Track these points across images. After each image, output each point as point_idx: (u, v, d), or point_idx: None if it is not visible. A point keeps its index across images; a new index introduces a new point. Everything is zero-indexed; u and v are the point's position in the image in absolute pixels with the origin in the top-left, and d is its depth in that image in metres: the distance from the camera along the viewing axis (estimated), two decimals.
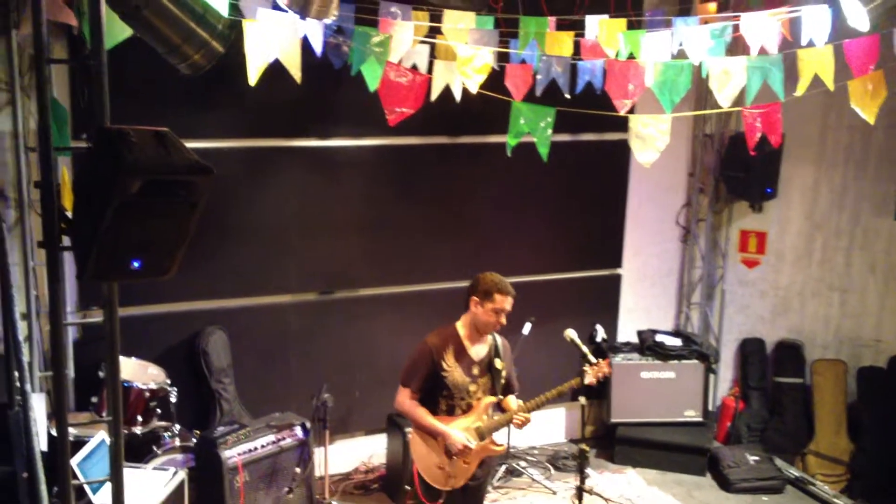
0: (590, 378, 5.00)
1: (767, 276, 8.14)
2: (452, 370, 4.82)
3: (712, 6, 6.16)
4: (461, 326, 4.94)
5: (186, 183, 3.26)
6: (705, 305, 8.21)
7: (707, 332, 8.21)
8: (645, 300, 8.11)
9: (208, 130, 6.13)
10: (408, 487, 4.98)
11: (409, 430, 5.28)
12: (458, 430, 4.83)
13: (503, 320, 4.87)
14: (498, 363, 4.93)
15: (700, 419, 7.59)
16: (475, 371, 4.88)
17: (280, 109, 6.27)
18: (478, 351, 4.92)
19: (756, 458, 7.31)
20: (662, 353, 7.58)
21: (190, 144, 3.30)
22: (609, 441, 7.63)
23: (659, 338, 7.73)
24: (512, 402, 5.07)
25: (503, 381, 4.98)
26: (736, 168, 7.57)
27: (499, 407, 5.05)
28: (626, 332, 8.01)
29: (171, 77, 4.59)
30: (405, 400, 4.90)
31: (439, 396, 4.87)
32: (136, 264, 3.33)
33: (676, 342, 7.70)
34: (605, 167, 7.52)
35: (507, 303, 4.84)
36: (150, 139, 3.25)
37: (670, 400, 7.57)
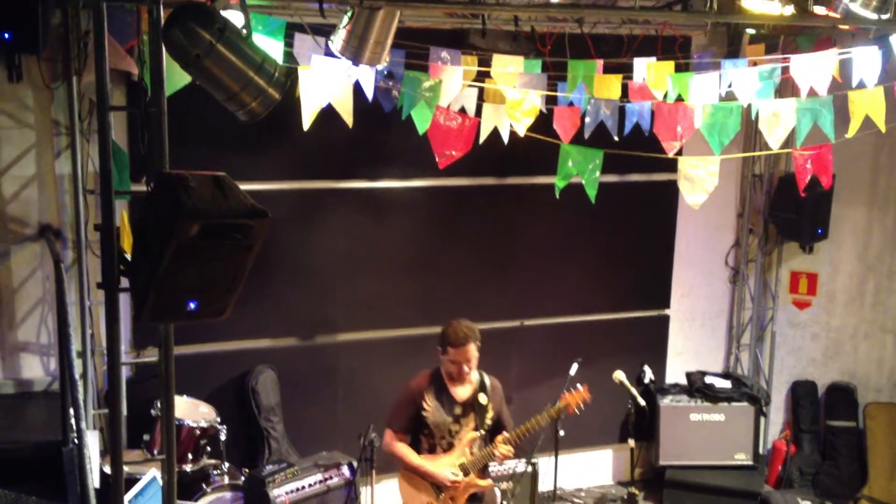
0: (570, 406, 4.95)
1: (819, 317, 8.03)
2: (433, 410, 4.89)
3: (761, 48, 6.16)
4: (444, 369, 4.97)
5: (243, 226, 3.34)
6: (755, 347, 8.11)
7: (757, 375, 8.10)
8: (694, 341, 8.04)
9: (261, 173, 6.24)
10: None
11: None
12: (444, 468, 4.87)
13: (465, 369, 4.89)
14: (482, 398, 4.95)
15: (751, 463, 7.46)
16: (457, 411, 4.92)
17: (331, 152, 6.36)
18: (461, 391, 4.95)
19: (808, 502, 7.17)
20: (712, 396, 7.50)
21: (243, 186, 3.38)
22: (658, 484, 7.53)
23: (708, 380, 7.64)
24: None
25: (489, 419, 4.97)
26: (786, 209, 7.50)
27: (485, 442, 5.03)
28: (675, 373, 7.93)
29: (226, 121, 4.68)
30: (391, 441, 5.03)
31: (421, 436, 4.97)
32: (192, 305, 3.40)
33: (726, 384, 7.61)
34: (652, 208, 7.50)
35: (461, 355, 4.85)
36: (208, 184, 3.33)
37: (720, 443, 7.46)
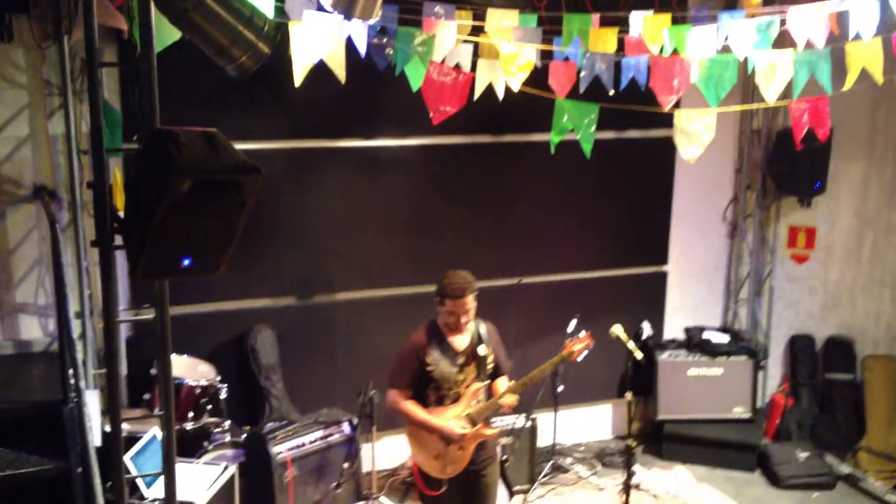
0: (574, 353, 4.96)
1: (817, 272, 8.04)
2: (437, 364, 4.88)
3: (758, 0, 6.10)
4: (441, 320, 4.98)
5: (235, 182, 3.33)
6: (753, 302, 8.12)
7: (755, 329, 8.13)
8: (692, 297, 8.05)
9: (256, 132, 6.23)
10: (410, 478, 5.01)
11: None
12: (451, 420, 4.87)
13: (463, 320, 4.87)
14: (482, 349, 4.95)
15: (749, 416, 7.53)
16: (460, 361, 4.92)
17: (325, 110, 6.34)
18: (459, 341, 4.95)
19: (806, 454, 7.24)
20: (710, 350, 7.55)
21: (238, 146, 3.36)
22: (657, 438, 7.60)
23: (706, 335, 7.69)
24: (501, 384, 5.07)
25: (490, 365, 4.99)
26: (784, 163, 7.48)
27: (489, 391, 5.05)
28: (673, 329, 7.97)
29: (219, 79, 4.66)
30: (397, 399, 4.98)
31: (428, 390, 4.94)
32: (186, 262, 3.40)
33: (724, 339, 7.66)
34: (650, 164, 7.48)
35: (459, 306, 4.82)
36: (199, 140, 3.32)
37: (718, 397, 7.53)
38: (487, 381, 5.00)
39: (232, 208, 3.38)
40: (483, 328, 5.04)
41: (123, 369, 6.09)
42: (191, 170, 3.18)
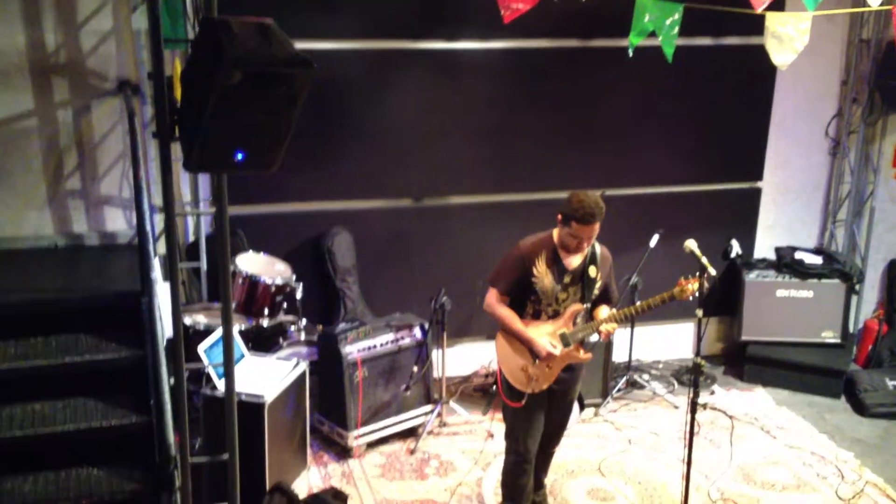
0: (685, 292, 4.76)
1: None
2: (543, 277, 4.73)
3: None
4: (556, 234, 4.81)
5: (287, 76, 3.27)
6: (852, 223, 7.76)
7: (853, 252, 7.78)
8: (786, 216, 7.74)
9: (334, 31, 6.11)
10: (494, 388, 4.91)
11: None
12: (544, 336, 4.77)
13: (583, 246, 4.68)
14: (592, 271, 4.77)
15: (838, 341, 7.27)
16: (566, 279, 4.76)
17: (405, 10, 6.22)
18: (572, 260, 4.78)
19: None
20: (801, 272, 7.26)
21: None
22: (739, 359, 7.43)
23: (798, 255, 7.39)
24: (603, 311, 4.92)
25: (596, 289, 4.84)
26: (893, 77, 7.02)
27: (589, 315, 4.92)
28: (765, 248, 7.69)
29: None
30: (493, 301, 4.85)
31: (527, 301, 4.80)
32: (239, 156, 3.39)
33: (817, 260, 7.35)
34: (749, 73, 7.09)
35: (584, 231, 4.60)
36: (253, 31, 3.26)
37: (807, 320, 7.28)
38: (588, 305, 4.88)
39: (284, 103, 3.33)
40: (598, 250, 4.87)
41: (204, 265, 6.23)
42: (241, 61, 3.14)
